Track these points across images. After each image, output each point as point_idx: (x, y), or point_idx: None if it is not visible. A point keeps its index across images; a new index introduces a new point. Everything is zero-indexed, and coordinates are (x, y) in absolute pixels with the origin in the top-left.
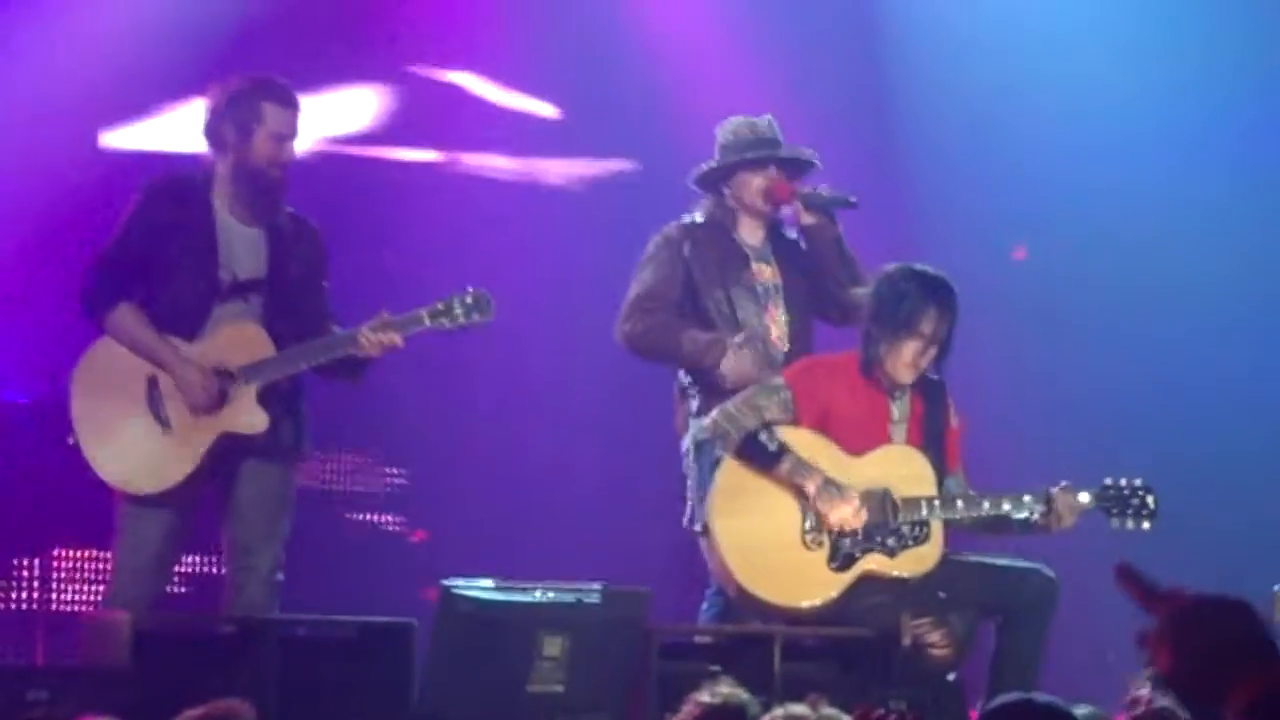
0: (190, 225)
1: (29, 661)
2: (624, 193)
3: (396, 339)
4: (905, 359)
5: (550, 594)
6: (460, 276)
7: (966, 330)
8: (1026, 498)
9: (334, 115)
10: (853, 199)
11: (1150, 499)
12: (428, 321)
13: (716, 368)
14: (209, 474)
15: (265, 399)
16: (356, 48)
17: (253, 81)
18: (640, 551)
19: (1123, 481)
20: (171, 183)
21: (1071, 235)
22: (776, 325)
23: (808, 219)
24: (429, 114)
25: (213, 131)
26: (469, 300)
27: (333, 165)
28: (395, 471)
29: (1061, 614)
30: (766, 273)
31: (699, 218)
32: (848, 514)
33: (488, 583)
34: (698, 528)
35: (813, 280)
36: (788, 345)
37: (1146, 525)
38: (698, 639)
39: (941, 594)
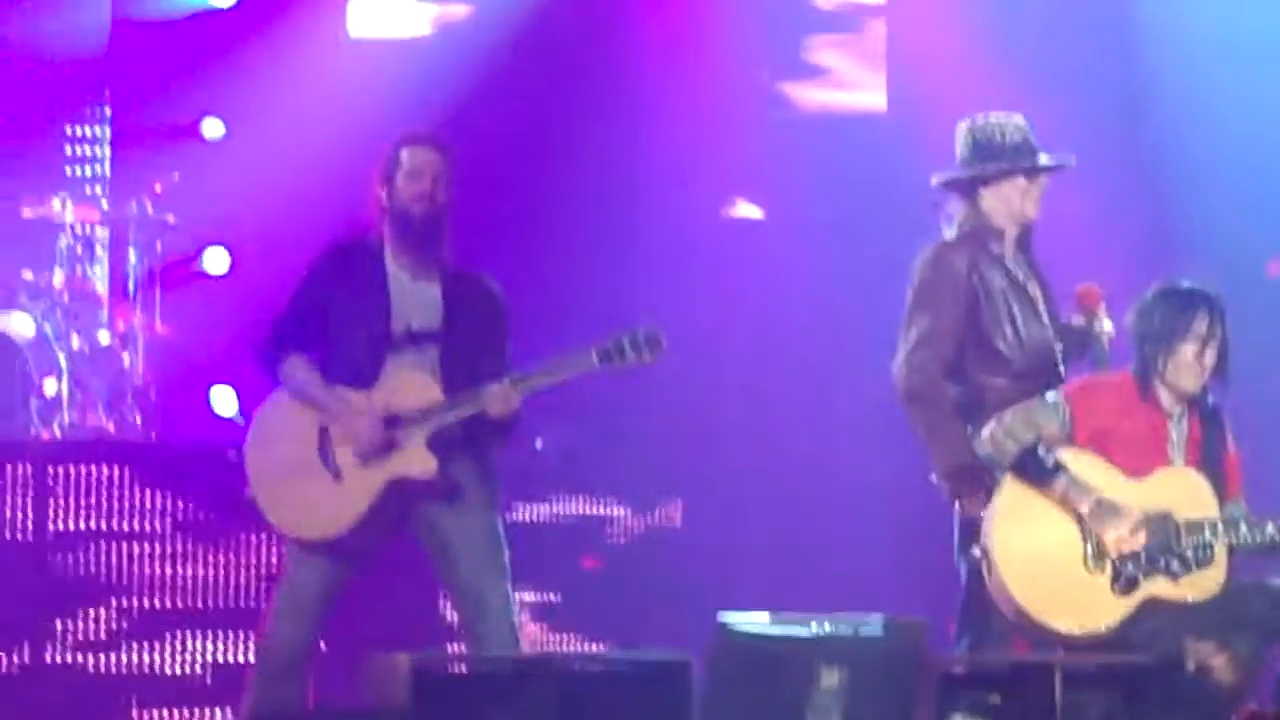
0: (361, 282)
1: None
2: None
3: (515, 400)
4: (1186, 361)
5: (827, 626)
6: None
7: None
8: None
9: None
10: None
11: None
12: (597, 361)
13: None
14: (381, 523)
15: (438, 445)
16: None
17: (392, 140)
18: (910, 575)
19: None
20: (339, 248)
21: None
22: (1059, 344)
23: (1106, 326)
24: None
25: (375, 198)
26: (639, 339)
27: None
28: (660, 502)
29: None
30: (1034, 288)
31: (956, 230)
32: (1124, 533)
33: (763, 616)
34: (976, 551)
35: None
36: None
37: None
38: (976, 669)
39: (1223, 614)
